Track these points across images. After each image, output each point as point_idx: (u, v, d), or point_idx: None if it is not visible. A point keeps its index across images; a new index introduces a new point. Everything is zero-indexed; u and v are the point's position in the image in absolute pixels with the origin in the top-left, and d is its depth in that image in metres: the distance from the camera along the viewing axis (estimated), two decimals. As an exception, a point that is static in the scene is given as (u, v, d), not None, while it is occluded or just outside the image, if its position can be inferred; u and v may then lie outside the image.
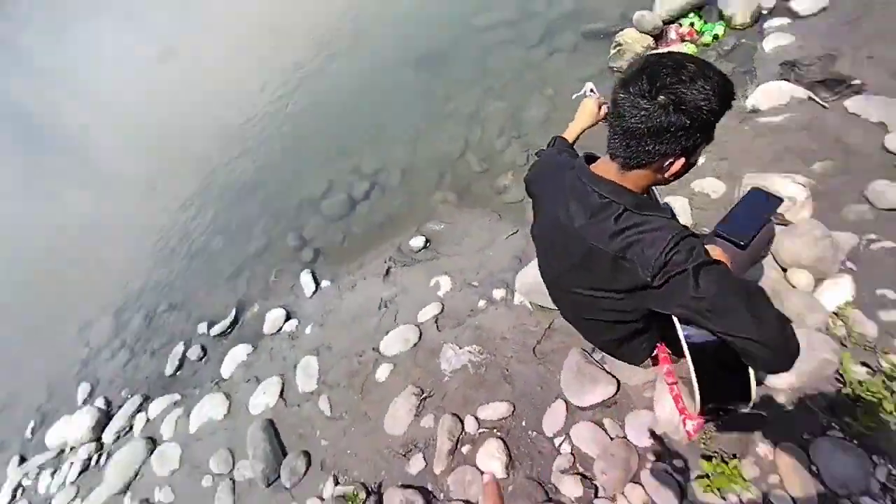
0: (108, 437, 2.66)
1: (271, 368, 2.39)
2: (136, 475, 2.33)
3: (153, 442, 2.45)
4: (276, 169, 3.83)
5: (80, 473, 2.57)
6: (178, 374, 2.83)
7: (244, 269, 3.19)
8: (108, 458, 2.56)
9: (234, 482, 2.00)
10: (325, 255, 2.88)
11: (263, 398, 2.22)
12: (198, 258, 3.57)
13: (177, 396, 2.66)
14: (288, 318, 2.62)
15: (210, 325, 2.93)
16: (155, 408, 2.66)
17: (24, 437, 3.10)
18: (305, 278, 2.72)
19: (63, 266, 4.48)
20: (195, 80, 6.08)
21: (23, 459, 2.93)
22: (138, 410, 2.73)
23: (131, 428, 2.65)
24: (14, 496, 2.67)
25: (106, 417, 2.78)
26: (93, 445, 2.66)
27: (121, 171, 5.37)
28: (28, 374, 3.60)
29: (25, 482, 2.71)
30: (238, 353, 2.61)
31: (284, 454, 1.96)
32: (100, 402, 2.91)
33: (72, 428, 2.82)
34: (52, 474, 2.67)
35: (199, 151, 4.62)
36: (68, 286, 4.16)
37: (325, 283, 2.68)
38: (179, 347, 2.91)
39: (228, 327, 2.81)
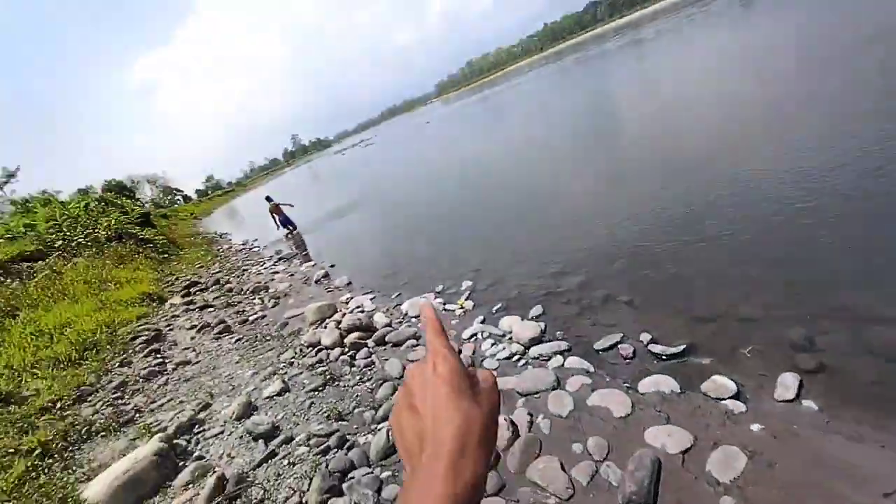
0: (533, 351, 3.45)
1: (686, 422, 2.33)
2: (536, 393, 2.92)
3: (557, 382, 2.96)
4: (814, 249, 3.34)
5: (505, 358, 3.51)
6: (601, 353, 3.19)
7: (718, 319, 3.10)
8: (524, 365, 3.36)
9: (596, 471, 2.17)
10: (832, 378, 2.38)
11: (666, 438, 2.21)
12: (678, 282, 3.76)
13: (590, 368, 3.08)
14: (737, 396, 2.37)
15: (652, 341, 3.09)
16: (571, 361, 3.22)
17: (490, 310, 4.48)
18: (788, 381, 2.37)
19: (571, 217, 5.83)
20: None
21: (483, 321, 4.26)
22: (559, 353, 3.33)
23: (549, 359, 3.30)
24: (470, 338, 3.96)
25: (540, 338, 3.57)
26: (522, 348, 3.52)
27: (657, 164, 6.19)
28: (517, 272, 5.10)
29: (479, 336, 3.96)
30: (662, 382, 2.68)
31: (654, 501, 1.91)
32: (541, 325, 3.75)
33: (518, 326, 3.87)
34: (492, 344, 3.77)
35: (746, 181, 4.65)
36: (573, 231, 5.40)
37: (807, 403, 2.24)
38: (616, 336, 3.29)
39: (668, 356, 2.87)
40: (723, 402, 2.43)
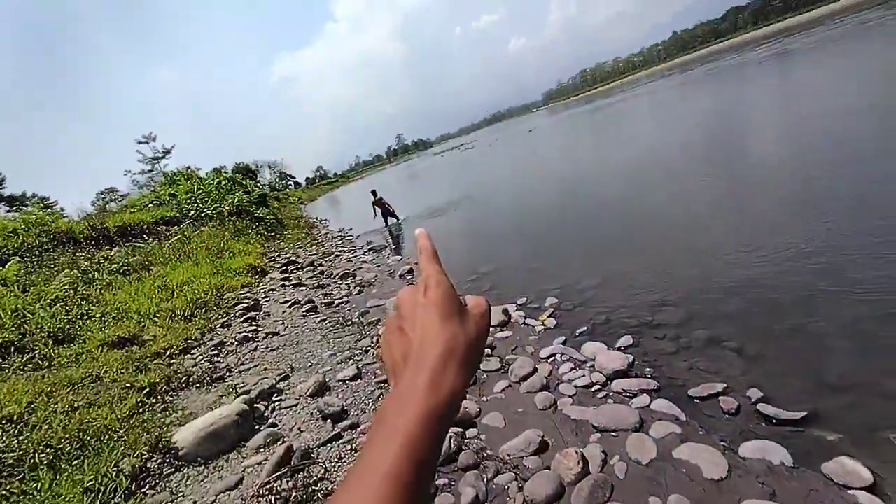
0: (616, 384, 3.27)
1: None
2: (614, 431, 2.70)
3: (641, 424, 2.70)
4: None
5: (583, 386, 3.33)
6: (696, 401, 2.89)
7: (856, 390, 2.63)
8: (605, 398, 3.17)
9: (675, 536, 1.91)
10: None
11: (766, 520, 1.87)
12: (808, 337, 3.28)
13: (681, 415, 2.80)
14: (871, 489, 1.96)
15: (762, 400, 2.70)
16: (659, 404, 2.97)
17: (573, 332, 4.34)
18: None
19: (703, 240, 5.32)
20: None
21: (564, 342, 4.07)
22: (646, 392, 3.07)
23: (633, 397, 3.05)
24: (548, 358, 3.79)
25: (626, 371, 3.34)
26: (604, 379, 3.31)
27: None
28: (608, 296, 4.86)
29: (558, 358, 3.81)
30: (770, 450, 2.33)
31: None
32: (629, 357, 3.52)
33: (602, 355, 3.67)
34: (571, 369, 3.63)
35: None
36: (679, 260, 4.96)
37: (980, 517, 1.75)
38: (717, 385, 2.97)
39: (782, 421, 2.48)
40: (851, 491, 2.01)
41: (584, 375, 3.48)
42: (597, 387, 3.32)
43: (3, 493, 2.53)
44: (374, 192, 13.97)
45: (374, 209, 13.81)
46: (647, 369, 3.41)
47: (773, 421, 2.56)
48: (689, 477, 2.27)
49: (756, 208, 6.05)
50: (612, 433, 2.73)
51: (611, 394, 3.21)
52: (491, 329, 4.79)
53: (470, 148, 58.82)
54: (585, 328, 4.32)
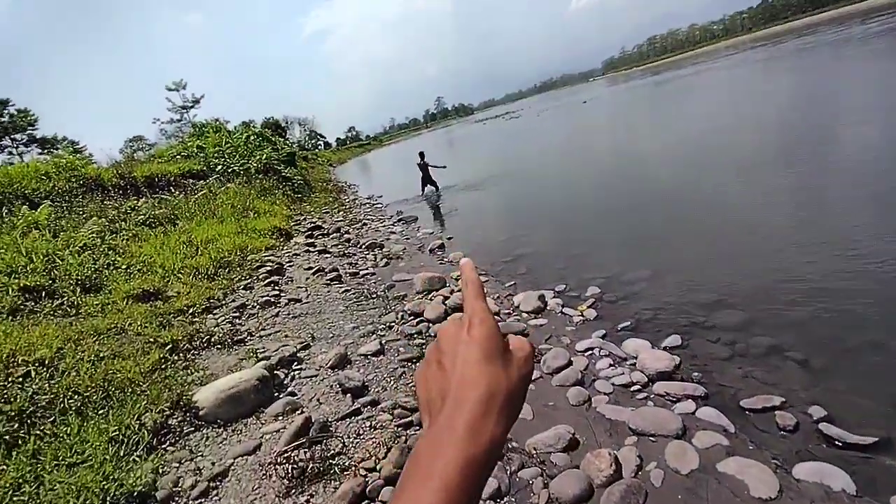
0: (658, 386, 3.26)
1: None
2: (652, 436, 2.70)
3: (683, 431, 2.68)
4: None
5: (622, 385, 3.32)
6: (748, 413, 2.85)
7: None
8: (645, 399, 3.16)
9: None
10: None
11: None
12: (890, 358, 3.07)
13: (730, 427, 2.80)
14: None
15: (826, 419, 2.62)
16: (706, 412, 2.94)
17: (615, 326, 4.28)
18: None
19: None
20: None
21: (604, 336, 4.03)
22: (692, 398, 3.01)
23: (676, 401, 3.05)
24: (584, 352, 3.78)
25: (671, 373, 3.29)
26: (645, 379, 3.27)
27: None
28: (657, 290, 4.75)
29: (595, 352, 3.77)
30: (830, 474, 2.28)
31: None
32: (676, 358, 3.44)
33: (646, 354, 3.61)
34: (609, 365, 3.56)
35: None
36: (745, 257, 4.76)
37: None
38: (775, 398, 2.92)
39: (848, 445, 2.40)
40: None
41: (623, 373, 3.44)
42: (637, 387, 3.28)
43: (38, 433, 2.78)
44: (421, 154, 14.23)
45: (420, 169, 14.23)
46: (696, 373, 3.34)
47: (837, 444, 2.48)
48: (733, 493, 2.23)
49: (841, 206, 5.71)
50: (651, 438, 2.71)
51: (652, 396, 3.17)
52: (525, 315, 4.81)
53: (516, 117, 57.63)
54: (629, 323, 4.25)
